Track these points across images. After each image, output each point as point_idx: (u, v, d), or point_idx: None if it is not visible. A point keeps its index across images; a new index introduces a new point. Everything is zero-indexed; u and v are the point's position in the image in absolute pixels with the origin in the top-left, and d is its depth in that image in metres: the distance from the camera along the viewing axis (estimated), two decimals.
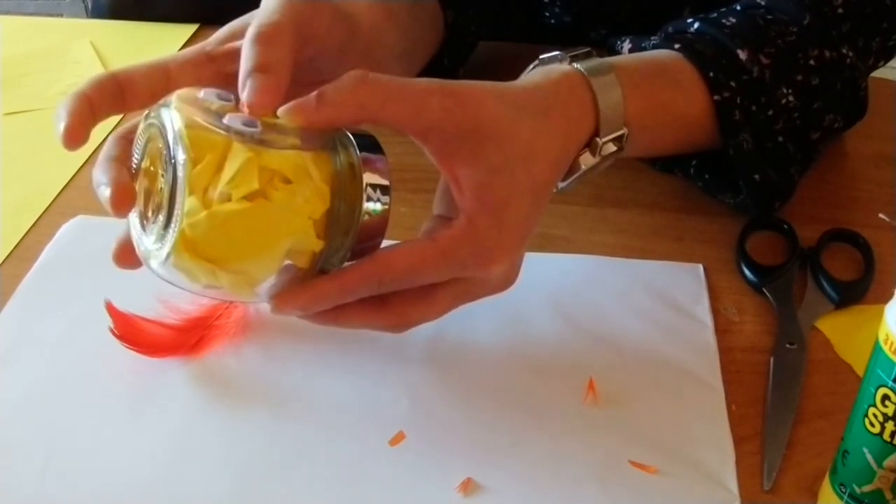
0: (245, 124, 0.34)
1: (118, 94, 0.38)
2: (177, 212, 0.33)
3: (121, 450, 0.39)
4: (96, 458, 0.39)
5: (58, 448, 0.39)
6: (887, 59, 0.54)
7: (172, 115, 0.33)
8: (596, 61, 0.41)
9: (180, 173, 0.32)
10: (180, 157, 0.32)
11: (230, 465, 0.38)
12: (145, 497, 0.37)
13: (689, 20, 0.48)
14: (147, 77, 0.39)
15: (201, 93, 0.35)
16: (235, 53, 0.39)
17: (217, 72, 0.40)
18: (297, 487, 0.37)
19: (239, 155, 0.33)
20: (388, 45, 0.47)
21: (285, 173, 0.33)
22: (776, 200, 0.49)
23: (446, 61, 0.57)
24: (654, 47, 0.47)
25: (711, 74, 0.45)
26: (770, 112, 0.46)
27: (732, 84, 0.45)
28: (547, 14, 0.66)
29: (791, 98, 0.47)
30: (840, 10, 0.49)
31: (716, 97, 0.45)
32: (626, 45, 0.49)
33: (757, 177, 0.47)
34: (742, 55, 0.45)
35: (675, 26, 0.49)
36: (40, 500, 0.37)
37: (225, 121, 0.34)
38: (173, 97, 0.35)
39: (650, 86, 0.43)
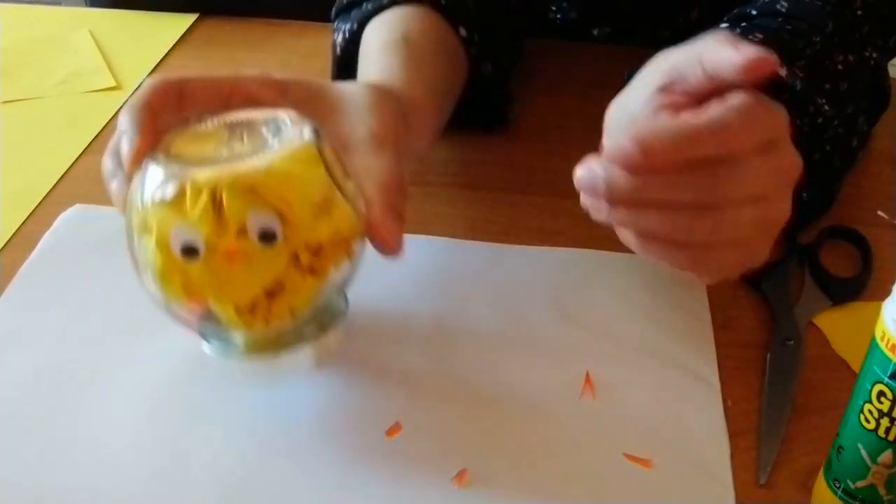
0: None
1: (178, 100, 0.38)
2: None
3: (118, 438, 0.39)
4: (93, 446, 0.39)
5: (54, 437, 0.39)
6: None
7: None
8: None
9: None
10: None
11: (228, 453, 0.38)
12: (144, 485, 0.37)
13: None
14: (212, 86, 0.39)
15: None
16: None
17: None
18: (293, 478, 0.37)
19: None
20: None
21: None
22: (816, 216, 0.49)
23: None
24: None
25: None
26: (819, 120, 0.46)
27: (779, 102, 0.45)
28: (554, 9, 0.65)
29: (826, 107, 0.46)
30: (859, 13, 0.48)
31: None
32: None
33: (804, 195, 0.47)
34: (782, 72, 0.45)
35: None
36: (38, 488, 0.37)
37: None
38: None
39: None
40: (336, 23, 0.56)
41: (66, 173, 0.55)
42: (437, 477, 0.37)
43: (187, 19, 0.72)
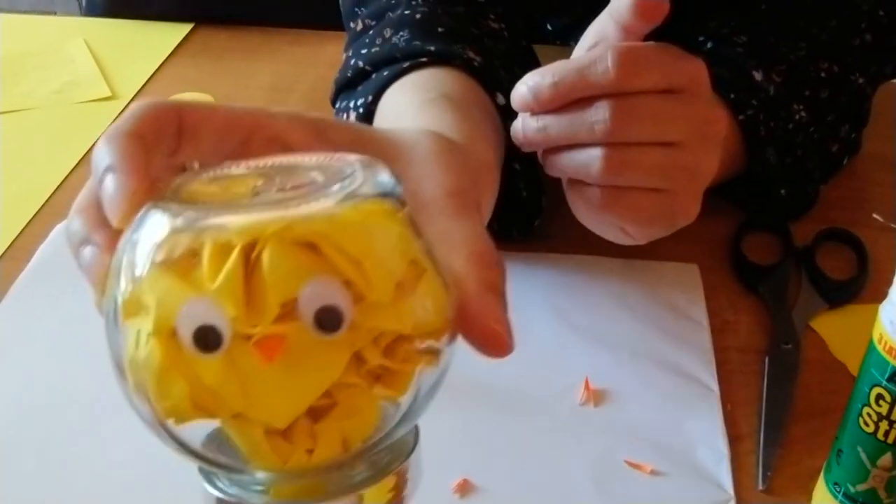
0: None
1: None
2: None
3: (114, 450, 0.39)
4: (89, 458, 0.38)
5: (51, 447, 0.39)
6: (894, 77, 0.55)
7: None
8: None
9: None
10: None
11: None
12: (139, 497, 0.37)
13: (701, 38, 0.48)
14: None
15: None
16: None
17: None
18: None
19: None
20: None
21: None
22: (797, 214, 0.50)
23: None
24: None
25: (733, 96, 0.45)
26: (790, 126, 0.46)
27: (754, 102, 0.45)
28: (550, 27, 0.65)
29: (803, 114, 0.47)
30: (857, 42, 0.49)
31: (740, 117, 0.45)
32: None
33: (783, 191, 0.48)
34: (757, 76, 0.46)
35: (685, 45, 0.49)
36: (33, 501, 0.37)
37: None
38: None
39: None
40: (339, 103, 0.47)
41: (61, 184, 0.55)
42: (438, 486, 0.37)
43: (183, 28, 0.72)
